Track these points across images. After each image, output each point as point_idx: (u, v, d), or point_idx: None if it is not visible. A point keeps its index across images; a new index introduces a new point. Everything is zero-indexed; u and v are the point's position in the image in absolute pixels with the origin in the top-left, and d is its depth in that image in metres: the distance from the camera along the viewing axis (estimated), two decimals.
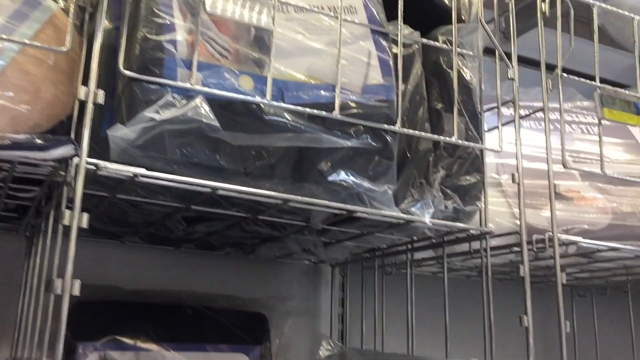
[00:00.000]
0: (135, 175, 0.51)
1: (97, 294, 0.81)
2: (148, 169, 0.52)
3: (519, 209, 0.67)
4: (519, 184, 0.68)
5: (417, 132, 0.63)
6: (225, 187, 0.54)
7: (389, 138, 0.61)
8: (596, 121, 0.73)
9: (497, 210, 0.84)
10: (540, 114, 0.89)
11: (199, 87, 0.52)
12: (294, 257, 0.91)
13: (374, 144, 0.60)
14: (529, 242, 0.70)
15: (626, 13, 0.79)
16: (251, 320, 0.86)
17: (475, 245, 0.75)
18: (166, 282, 0.87)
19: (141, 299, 0.83)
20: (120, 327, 0.77)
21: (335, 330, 0.97)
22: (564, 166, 0.70)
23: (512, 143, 0.73)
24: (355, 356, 0.80)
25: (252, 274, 0.93)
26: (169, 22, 0.53)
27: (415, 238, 0.77)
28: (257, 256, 0.87)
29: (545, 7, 0.74)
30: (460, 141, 0.65)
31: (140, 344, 0.77)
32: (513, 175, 0.68)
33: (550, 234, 0.68)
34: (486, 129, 0.83)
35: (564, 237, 0.70)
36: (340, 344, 0.93)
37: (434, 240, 0.78)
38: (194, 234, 0.73)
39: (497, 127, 0.70)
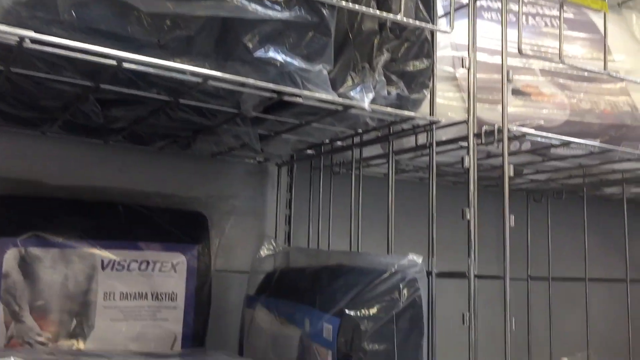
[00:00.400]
0: (22, 38, 0.44)
1: (20, 189, 0.76)
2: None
3: (468, 95, 0.62)
4: (469, 69, 0.63)
5: (357, 6, 0.57)
6: (132, 58, 0.48)
7: (325, 11, 0.54)
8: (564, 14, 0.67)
9: (450, 105, 0.79)
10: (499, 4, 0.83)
11: None
12: (234, 154, 0.86)
13: (308, 17, 0.53)
14: (478, 135, 0.66)
15: None
16: (189, 219, 0.82)
17: (423, 139, 0.70)
18: (96, 178, 0.81)
19: (68, 195, 0.77)
20: (44, 223, 0.72)
21: (282, 231, 0.93)
22: (520, 52, 0.64)
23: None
24: (297, 253, 0.77)
25: (192, 172, 0.88)
26: None
27: (359, 131, 0.72)
28: (193, 151, 0.81)
29: None
30: (406, 19, 0.59)
31: (65, 240, 0.72)
32: (463, 59, 0.63)
33: (500, 125, 0.63)
34: (441, 14, 0.77)
35: (515, 128, 0.65)
36: (283, 244, 0.90)
37: (379, 134, 0.73)
38: (116, 122, 0.66)
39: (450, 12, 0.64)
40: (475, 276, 0.61)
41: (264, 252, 0.81)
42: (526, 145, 0.77)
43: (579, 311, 1.04)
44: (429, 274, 0.63)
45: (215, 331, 0.83)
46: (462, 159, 0.61)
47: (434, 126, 0.66)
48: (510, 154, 0.79)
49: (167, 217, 0.80)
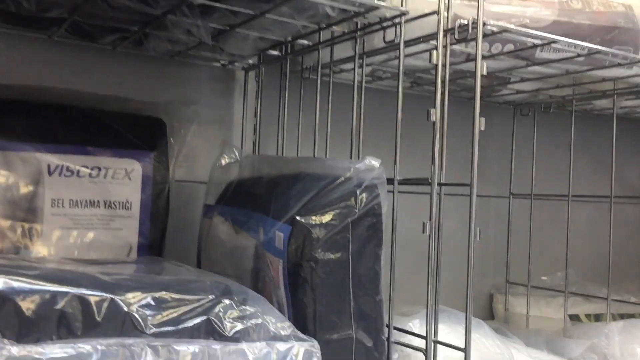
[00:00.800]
0: None
1: None
2: None
3: None
4: None
5: None
6: None
7: None
8: None
9: (429, 1, 0.72)
10: None
11: None
12: (195, 56, 0.79)
13: None
14: (452, 30, 0.59)
15: None
16: (146, 125, 0.76)
17: (392, 36, 0.64)
18: (45, 78, 0.75)
19: (12, 96, 0.71)
20: None
21: (249, 141, 0.88)
22: None
23: None
24: (258, 161, 0.72)
25: (151, 75, 0.82)
26: None
27: (323, 26, 0.66)
28: (148, 50, 0.75)
29: None
30: None
31: (6, 142, 0.67)
32: None
33: (475, 17, 0.57)
34: None
35: (492, 22, 0.59)
36: (252, 153, 0.85)
37: (346, 30, 0.66)
38: (50, 10, 0.60)
39: None
40: (439, 184, 0.56)
41: (224, 160, 0.76)
42: (509, 47, 0.70)
43: (561, 230, 1.00)
44: (390, 181, 0.58)
45: (177, 243, 0.80)
46: (430, 54, 0.55)
47: (403, 18, 0.59)
48: (491, 56, 0.72)
49: (121, 121, 0.74)
